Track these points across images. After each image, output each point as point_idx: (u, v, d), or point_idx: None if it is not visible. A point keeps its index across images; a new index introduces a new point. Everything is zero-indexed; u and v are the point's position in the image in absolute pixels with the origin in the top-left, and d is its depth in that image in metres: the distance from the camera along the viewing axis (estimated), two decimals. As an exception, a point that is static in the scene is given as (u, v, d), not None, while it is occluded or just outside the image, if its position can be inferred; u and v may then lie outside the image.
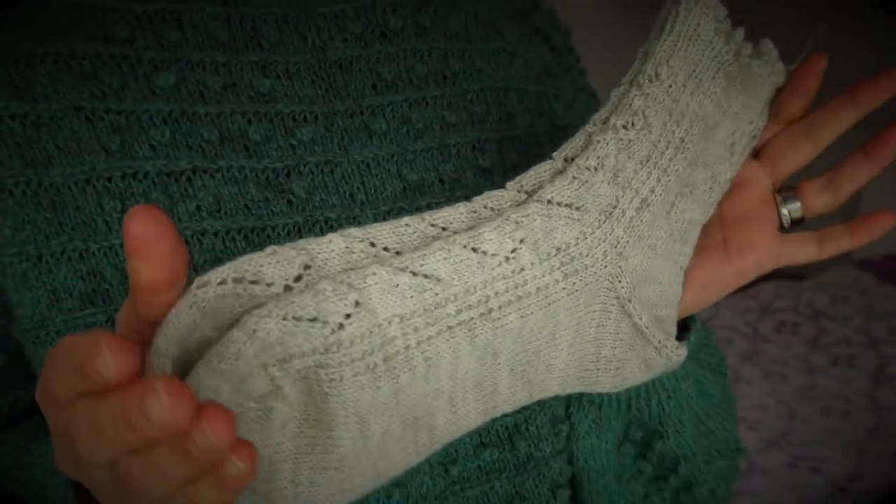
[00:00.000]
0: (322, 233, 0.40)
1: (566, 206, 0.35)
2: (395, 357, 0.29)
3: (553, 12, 0.57)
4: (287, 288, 0.28)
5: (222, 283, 0.26)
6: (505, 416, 0.44)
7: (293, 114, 0.41)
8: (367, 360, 0.28)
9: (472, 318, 0.31)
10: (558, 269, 0.35)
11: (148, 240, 0.24)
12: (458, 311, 0.31)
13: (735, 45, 0.39)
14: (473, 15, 0.50)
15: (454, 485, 0.43)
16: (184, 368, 0.27)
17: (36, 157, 0.37)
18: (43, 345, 0.37)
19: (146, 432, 0.22)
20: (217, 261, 0.38)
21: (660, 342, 0.40)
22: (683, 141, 0.38)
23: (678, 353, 0.41)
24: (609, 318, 0.38)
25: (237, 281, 0.27)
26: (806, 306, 2.41)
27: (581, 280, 0.36)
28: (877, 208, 0.41)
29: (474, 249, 0.32)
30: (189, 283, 0.27)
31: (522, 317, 0.33)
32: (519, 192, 0.35)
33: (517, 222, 0.33)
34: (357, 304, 0.28)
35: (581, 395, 0.46)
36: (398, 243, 0.31)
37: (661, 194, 0.38)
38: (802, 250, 0.42)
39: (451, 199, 0.44)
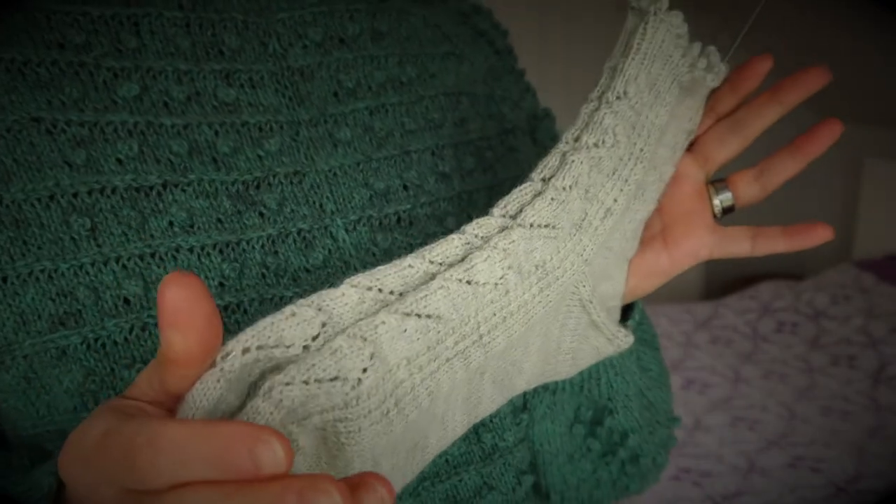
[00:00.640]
0: (296, 245, 0.40)
1: (545, 226, 0.37)
2: (403, 398, 0.30)
3: (492, 14, 0.57)
4: (305, 348, 0.28)
5: (246, 351, 0.26)
6: None
7: (259, 124, 0.40)
8: (383, 408, 0.29)
9: (467, 347, 0.33)
10: (536, 284, 0.37)
11: (184, 310, 0.23)
12: (456, 343, 0.32)
13: (691, 58, 0.42)
14: (422, 19, 0.50)
15: (425, 480, 0.44)
16: None
17: None
18: (8, 370, 0.35)
19: None
20: None
21: (612, 334, 0.43)
22: (643, 151, 0.40)
23: (627, 340, 0.44)
24: (571, 317, 0.41)
25: (260, 349, 0.26)
26: (806, 306, 2.41)
27: (554, 291, 0.38)
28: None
29: (469, 282, 0.33)
30: None
31: (509, 336, 0.35)
32: (504, 216, 0.37)
33: (504, 250, 0.35)
34: (372, 356, 0.28)
35: None
36: (403, 286, 0.32)
37: (622, 203, 0.40)
38: (736, 245, 0.44)
39: (417, 206, 0.44)
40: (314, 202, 0.41)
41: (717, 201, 0.44)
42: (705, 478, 1.63)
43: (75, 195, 0.36)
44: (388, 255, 0.42)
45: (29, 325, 0.35)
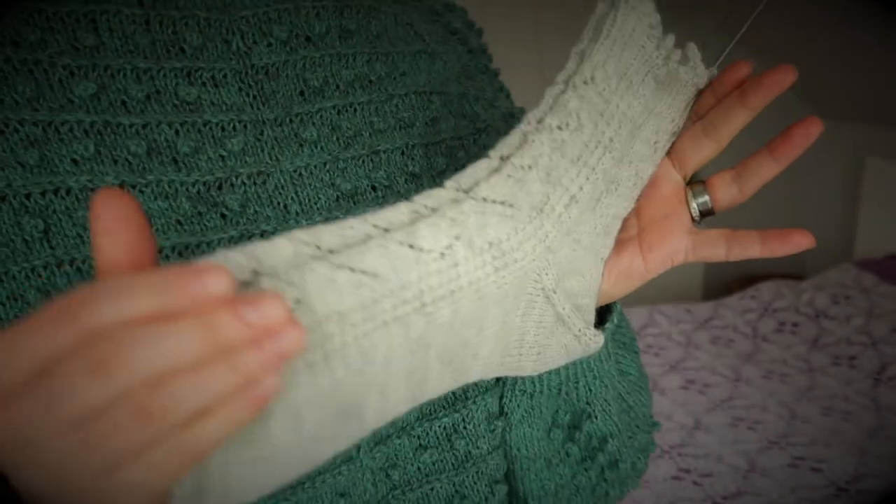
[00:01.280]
0: None
1: (500, 203, 0.37)
2: (333, 353, 0.30)
3: (465, 12, 0.56)
4: None
5: None
6: (443, 416, 0.46)
7: (221, 123, 0.40)
8: (307, 357, 0.29)
9: (408, 314, 0.32)
10: (490, 263, 0.36)
11: (116, 218, 0.24)
12: (395, 307, 0.32)
13: (665, 50, 0.41)
14: (393, 17, 0.49)
15: (395, 489, 0.43)
16: None
17: None
18: None
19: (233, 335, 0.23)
20: None
21: (580, 330, 0.42)
22: (612, 141, 0.40)
23: (596, 339, 0.43)
24: (534, 308, 0.40)
25: None
26: (806, 306, 2.41)
27: (511, 273, 0.37)
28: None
29: (411, 246, 0.33)
30: None
31: (455, 310, 0.34)
32: (457, 190, 0.36)
33: (452, 219, 0.35)
34: (298, 301, 0.29)
35: (514, 385, 0.48)
36: (343, 245, 0.32)
37: (588, 191, 0.40)
38: (711, 250, 0.43)
39: (385, 207, 0.43)
40: (278, 203, 0.40)
41: (694, 204, 0.43)
42: (705, 478, 1.62)
43: (28, 196, 0.35)
44: None
45: None
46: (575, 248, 0.41)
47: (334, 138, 0.43)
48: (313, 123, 0.43)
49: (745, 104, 0.40)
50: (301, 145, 0.42)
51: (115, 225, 0.25)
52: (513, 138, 0.38)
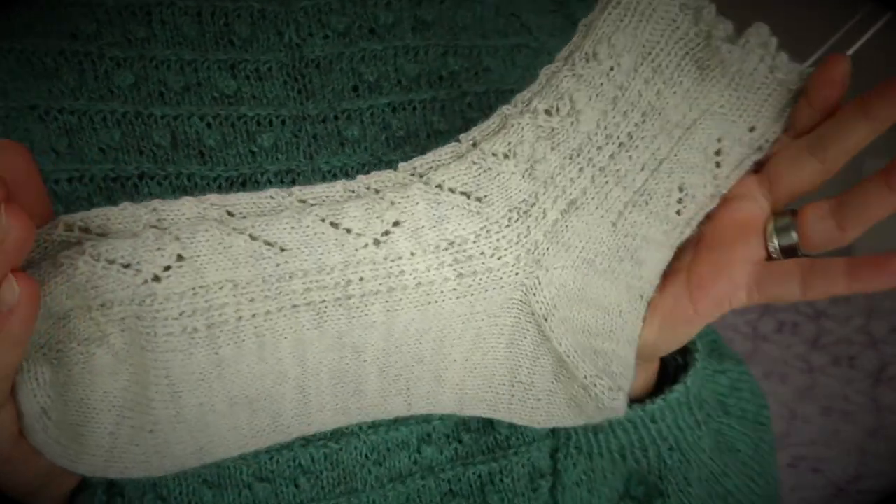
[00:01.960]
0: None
1: (462, 193, 0.31)
2: (221, 326, 0.27)
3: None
4: None
5: (69, 227, 0.27)
6: (479, 462, 0.40)
7: (257, 117, 0.39)
8: (185, 322, 0.27)
9: (325, 301, 0.29)
10: (449, 265, 0.31)
11: (13, 170, 0.25)
12: (307, 290, 0.28)
13: (705, 24, 0.32)
14: (494, 7, 0.45)
15: None
16: None
17: None
18: None
19: None
20: None
21: (587, 377, 0.33)
22: (632, 137, 0.32)
23: (612, 396, 0.33)
24: (525, 338, 0.34)
25: (83, 230, 0.27)
26: (806, 306, 2.40)
27: (479, 284, 0.31)
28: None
29: (333, 224, 0.29)
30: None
31: (389, 311, 0.30)
32: (412, 174, 0.32)
33: (392, 202, 0.30)
34: (180, 258, 0.27)
35: (568, 441, 0.41)
36: (257, 214, 0.29)
37: (596, 198, 0.33)
38: (782, 288, 0.32)
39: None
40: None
41: (775, 239, 0.33)
42: (705, 478, 1.63)
43: (56, 181, 0.36)
44: None
45: None
46: (585, 270, 0.33)
47: (383, 138, 0.41)
48: (361, 121, 0.40)
49: (869, 114, 0.31)
50: (342, 144, 0.40)
51: (17, 176, 0.25)
52: (492, 121, 0.33)
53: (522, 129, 0.32)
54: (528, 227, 0.32)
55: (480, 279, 0.31)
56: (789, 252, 0.33)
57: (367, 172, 0.39)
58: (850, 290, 0.31)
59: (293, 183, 0.39)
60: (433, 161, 0.32)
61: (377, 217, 0.30)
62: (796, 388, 2.00)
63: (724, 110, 0.33)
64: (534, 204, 0.32)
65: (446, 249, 0.31)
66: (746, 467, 0.43)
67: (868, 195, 0.31)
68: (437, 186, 0.31)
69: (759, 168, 0.35)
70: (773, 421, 0.47)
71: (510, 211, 0.32)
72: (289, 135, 0.39)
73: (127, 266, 0.27)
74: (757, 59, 0.32)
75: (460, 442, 0.40)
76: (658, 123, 0.33)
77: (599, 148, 0.32)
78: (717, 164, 0.34)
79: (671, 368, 0.42)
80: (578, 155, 0.32)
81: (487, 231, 0.31)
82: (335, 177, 0.40)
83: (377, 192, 0.31)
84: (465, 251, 0.31)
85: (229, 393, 0.29)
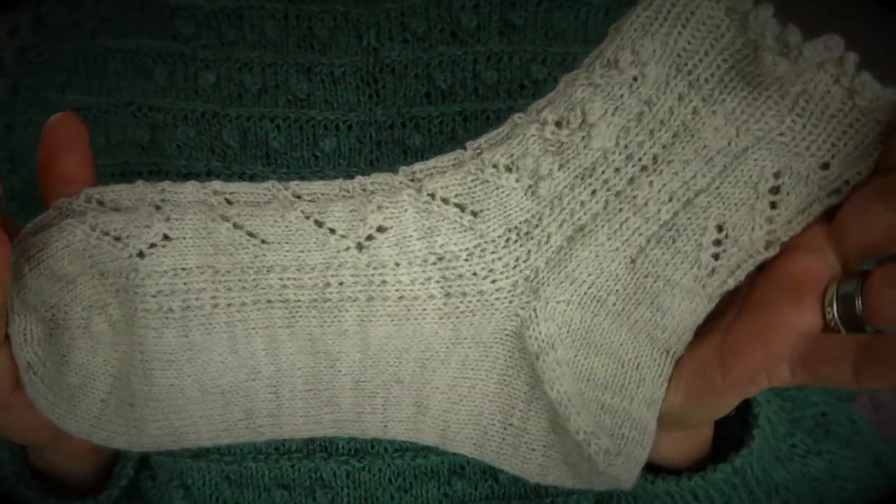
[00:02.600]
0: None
1: (456, 205, 0.29)
2: (196, 310, 0.28)
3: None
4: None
5: (88, 198, 0.29)
6: None
7: (325, 121, 0.39)
8: (161, 301, 0.28)
9: (299, 301, 0.28)
10: (437, 282, 0.29)
11: (68, 138, 0.28)
12: (283, 287, 0.28)
13: (754, 32, 0.27)
14: (604, 10, 0.41)
15: None
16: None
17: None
18: None
19: None
20: None
21: (581, 433, 0.29)
22: (658, 161, 0.28)
23: (608, 461, 0.29)
24: (519, 377, 0.30)
25: (100, 203, 0.29)
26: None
27: (468, 307, 0.29)
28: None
29: (318, 223, 0.28)
30: None
31: (363, 321, 0.29)
32: (411, 179, 0.30)
33: (379, 206, 0.29)
34: (166, 237, 0.28)
35: (611, 499, 0.37)
36: (251, 204, 0.30)
37: (608, 226, 0.29)
38: (831, 369, 0.25)
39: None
40: None
41: (835, 304, 0.26)
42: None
43: (139, 173, 0.39)
44: None
45: None
46: (596, 310, 0.30)
47: (449, 148, 0.38)
48: (429, 129, 0.39)
49: None
50: (405, 152, 0.39)
51: (65, 144, 0.28)
52: (501, 129, 0.30)
53: (528, 140, 0.29)
54: (529, 251, 0.29)
55: (469, 302, 0.29)
56: (852, 324, 0.26)
57: None
58: None
59: None
60: (433, 167, 0.30)
61: (360, 220, 0.28)
62: (796, 388, 2.00)
63: (785, 139, 0.28)
64: (536, 226, 0.29)
65: (434, 264, 0.29)
66: None
67: None
68: (429, 195, 0.29)
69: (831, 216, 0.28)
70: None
71: (508, 231, 0.29)
72: (353, 140, 0.39)
73: (118, 239, 0.28)
74: (829, 79, 0.27)
75: (496, 480, 0.38)
76: (692, 147, 0.28)
77: (617, 170, 0.29)
78: (773, 205, 0.28)
79: (739, 432, 0.36)
80: (591, 175, 0.29)
81: (482, 250, 0.29)
82: None
83: (371, 193, 0.30)
84: (454, 269, 0.29)
85: (200, 379, 0.29)
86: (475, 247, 0.29)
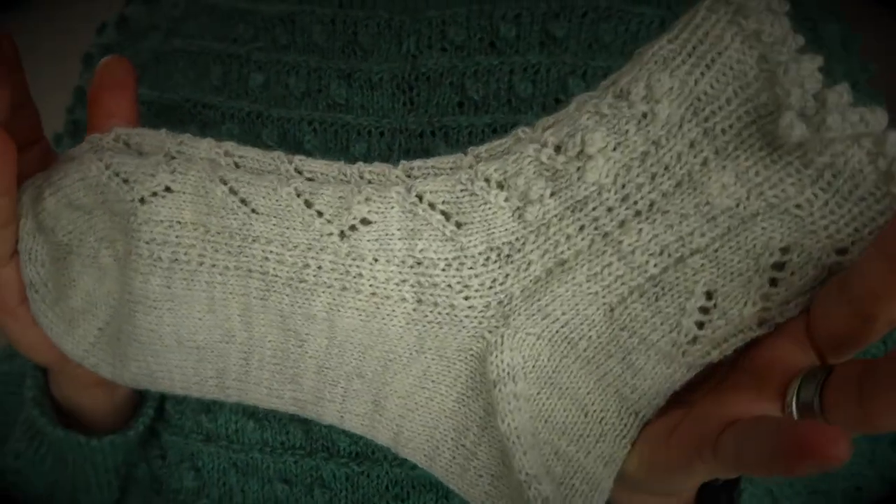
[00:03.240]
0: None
1: (441, 212, 0.28)
2: (182, 264, 0.29)
3: (839, 19, 0.41)
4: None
5: (117, 137, 0.31)
6: None
7: (358, 126, 0.39)
8: (153, 248, 0.29)
9: (277, 277, 0.29)
10: (411, 286, 0.29)
11: (120, 79, 0.31)
12: (265, 259, 0.29)
13: (781, 88, 0.24)
14: (658, 21, 0.39)
15: None
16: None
17: None
18: None
19: None
20: None
21: (524, 473, 0.27)
22: (653, 209, 0.26)
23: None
24: (477, 401, 0.29)
25: (126, 143, 0.31)
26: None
27: (436, 318, 0.29)
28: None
29: (307, 203, 0.28)
30: None
31: (331, 309, 0.29)
32: (408, 175, 0.29)
33: (367, 198, 0.28)
34: (168, 189, 0.29)
35: None
36: (256, 171, 0.30)
37: (588, 267, 0.27)
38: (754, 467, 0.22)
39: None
40: None
41: (794, 395, 0.23)
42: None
43: None
44: None
45: None
46: (566, 351, 0.28)
47: None
48: (458, 139, 0.38)
49: (886, 252, 0.21)
50: None
51: (114, 82, 0.31)
52: (504, 140, 0.28)
53: (523, 159, 0.27)
54: (507, 274, 0.28)
55: (439, 313, 0.29)
56: (806, 412, 0.23)
57: None
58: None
59: None
60: (431, 167, 0.29)
61: (346, 208, 0.28)
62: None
63: (801, 213, 0.24)
64: (519, 250, 0.28)
65: (412, 267, 0.28)
66: None
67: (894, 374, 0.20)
68: (417, 196, 0.28)
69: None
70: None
71: (490, 249, 0.28)
72: (384, 146, 0.39)
73: (125, 181, 0.29)
74: (865, 157, 0.23)
75: None
76: (693, 202, 0.26)
77: (609, 209, 0.27)
78: (773, 282, 0.25)
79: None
80: (581, 209, 0.27)
81: (460, 263, 0.28)
82: None
83: (369, 183, 0.29)
84: (430, 276, 0.28)
85: (178, 331, 0.31)
86: (454, 258, 0.28)
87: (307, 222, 0.28)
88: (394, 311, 0.29)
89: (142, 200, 0.29)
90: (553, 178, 0.27)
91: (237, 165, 0.30)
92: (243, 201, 0.29)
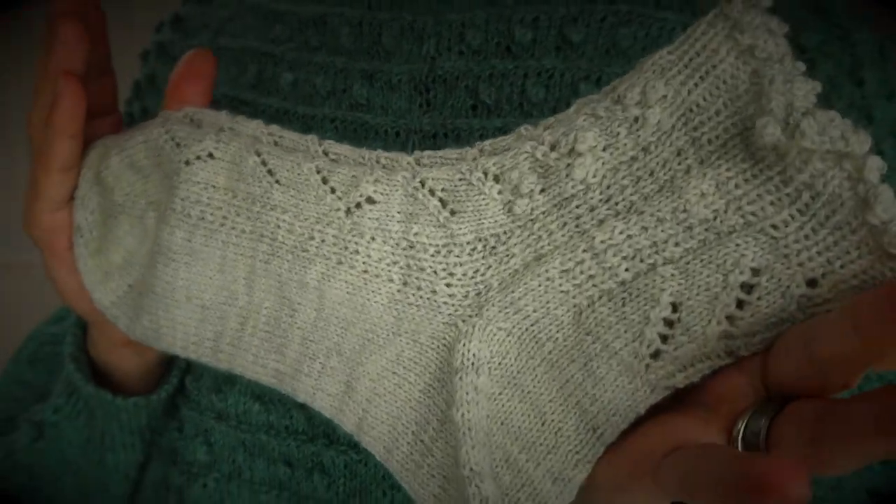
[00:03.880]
0: None
1: (439, 199, 0.29)
2: (207, 223, 0.32)
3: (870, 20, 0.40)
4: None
5: (185, 116, 0.34)
6: None
7: (376, 126, 0.40)
8: (186, 205, 0.32)
9: (283, 244, 0.31)
10: (400, 268, 0.30)
11: (201, 69, 0.34)
12: (277, 226, 0.31)
13: (766, 98, 0.24)
14: (681, 26, 0.38)
15: None
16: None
17: None
18: None
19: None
20: None
21: (470, 471, 0.26)
22: (632, 210, 0.26)
23: None
24: (440, 394, 0.29)
25: (191, 120, 0.34)
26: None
27: (416, 300, 0.29)
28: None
29: (324, 180, 0.30)
30: None
31: (322, 279, 0.30)
32: (418, 163, 0.30)
33: (376, 179, 0.30)
34: (211, 155, 0.32)
35: None
36: (290, 151, 0.33)
37: (561, 262, 0.27)
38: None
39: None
40: None
41: (741, 426, 0.23)
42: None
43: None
44: None
45: None
46: (532, 351, 0.28)
47: None
48: (469, 142, 0.36)
49: (856, 324, 0.20)
50: None
51: (193, 73, 0.34)
52: (509, 137, 0.29)
53: (520, 155, 0.28)
54: (489, 265, 0.29)
55: (420, 296, 0.29)
56: (752, 446, 0.23)
57: None
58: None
59: None
60: (440, 157, 0.30)
61: (355, 186, 0.30)
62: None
63: (777, 234, 0.24)
64: (504, 242, 0.28)
65: (405, 249, 0.29)
66: None
67: (850, 420, 0.20)
68: (419, 181, 0.29)
69: None
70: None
71: (477, 239, 0.29)
72: (398, 147, 0.39)
73: (178, 145, 0.32)
74: (845, 181, 0.22)
75: None
76: (670, 206, 0.25)
77: (592, 209, 0.27)
78: (739, 304, 0.24)
79: None
80: (566, 206, 0.27)
81: (448, 250, 0.29)
82: None
83: (383, 166, 0.31)
84: (419, 260, 0.29)
85: (189, 286, 0.33)
86: (443, 245, 0.29)
87: (320, 196, 0.30)
88: (379, 289, 0.30)
89: (187, 162, 0.32)
90: (545, 174, 0.28)
91: (276, 144, 0.32)
92: (270, 172, 0.31)
